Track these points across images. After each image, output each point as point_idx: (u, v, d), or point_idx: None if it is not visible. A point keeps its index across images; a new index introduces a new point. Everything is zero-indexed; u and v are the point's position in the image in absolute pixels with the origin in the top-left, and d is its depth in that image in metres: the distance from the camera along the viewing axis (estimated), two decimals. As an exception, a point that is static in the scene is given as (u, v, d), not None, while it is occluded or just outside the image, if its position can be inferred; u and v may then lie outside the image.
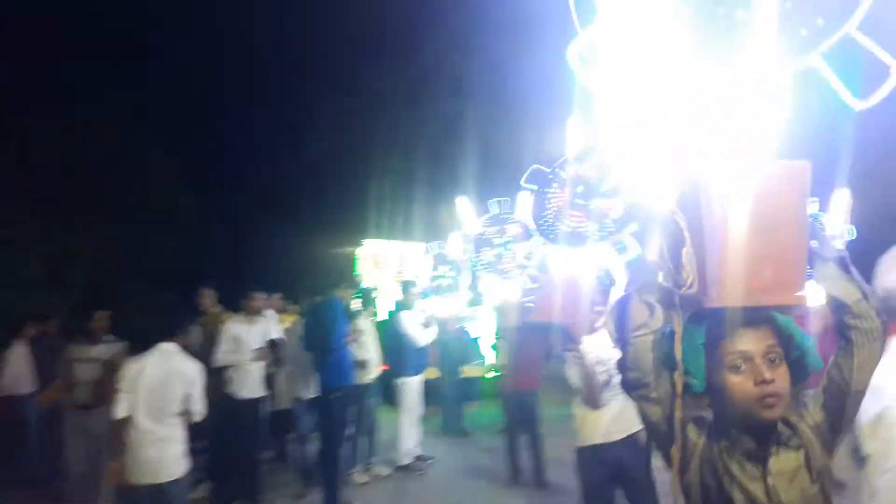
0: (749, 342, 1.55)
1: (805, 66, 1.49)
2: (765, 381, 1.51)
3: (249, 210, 17.43)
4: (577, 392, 3.90)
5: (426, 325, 7.70)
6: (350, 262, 13.14)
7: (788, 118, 1.53)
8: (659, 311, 1.63)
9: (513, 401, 6.87)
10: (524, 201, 5.33)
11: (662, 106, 1.59)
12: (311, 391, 6.79)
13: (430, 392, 8.67)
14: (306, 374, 6.82)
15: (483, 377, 11.69)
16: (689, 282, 1.53)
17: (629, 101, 1.63)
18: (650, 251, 1.64)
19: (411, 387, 7.60)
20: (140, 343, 4.67)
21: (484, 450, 8.73)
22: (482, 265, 5.41)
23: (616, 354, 3.67)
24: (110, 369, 5.45)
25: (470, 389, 10.89)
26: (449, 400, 9.76)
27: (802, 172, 1.55)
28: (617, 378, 3.69)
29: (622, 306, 1.69)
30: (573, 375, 3.88)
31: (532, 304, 3.83)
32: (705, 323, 1.60)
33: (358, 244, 13.36)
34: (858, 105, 1.49)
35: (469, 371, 10.94)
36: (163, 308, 5.61)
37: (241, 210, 17.39)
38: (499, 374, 10.07)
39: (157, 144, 15.39)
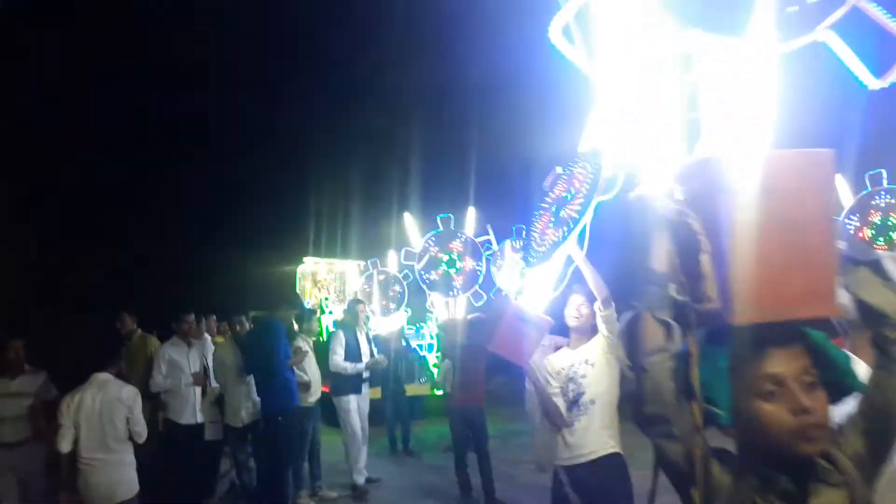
0: (780, 363, 1.33)
1: (814, 40, 1.38)
2: (804, 410, 1.29)
3: (180, 228, 16.95)
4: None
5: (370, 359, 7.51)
6: (290, 281, 12.90)
7: (796, 100, 1.40)
8: (678, 332, 1.37)
9: (459, 417, 6.82)
10: (471, 217, 5.33)
11: (659, 88, 1.44)
12: (241, 419, 6.49)
13: (376, 412, 8.51)
14: (238, 400, 6.50)
15: (428, 395, 11.58)
16: (709, 295, 1.32)
17: (621, 81, 1.48)
18: (657, 260, 1.40)
19: (349, 406, 7.38)
20: (74, 374, 4.69)
21: (431, 468, 8.62)
22: (427, 282, 5.35)
23: (587, 371, 3.63)
24: (39, 403, 5.23)
25: (415, 408, 10.77)
26: (393, 419, 9.61)
27: (825, 162, 1.36)
28: (585, 397, 3.64)
29: (632, 327, 1.43)
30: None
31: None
32: (727, 342, 1.38)
33: (298, 262, 13.14)
34: (874, 83, 1.36)
35: (413, 389, 10.83)
36: (96, 339, 5.44)
37: (171, 227, 16.90)
38: (443, 391, 10.02)
39: (81, 157, 14.80)
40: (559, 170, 3.39)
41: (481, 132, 12.94)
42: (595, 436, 3.63)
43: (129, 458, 4.51)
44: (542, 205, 3.42)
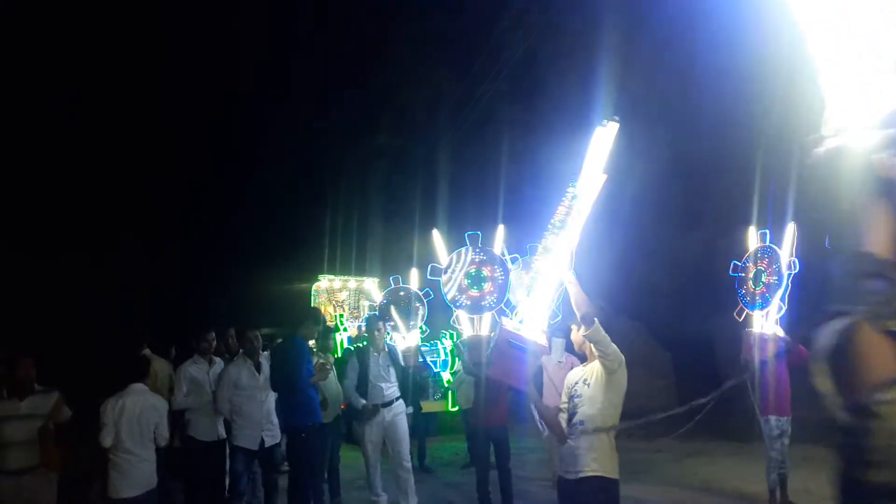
0: None
1: None
2: None
3: (195, 244, 17.06)
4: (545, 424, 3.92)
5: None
6: (305, 297, 13.00)
7: None
8: None
9: (483, 436, 6.85)
10: (500, 235, 5.41)
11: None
12: (259, 441, 6.38)
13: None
14: (255, 422, 6.35)
15: (442, 412, 11.62)
16: None
17: None
18: (879, 240, 0.96)
19: (362, 432, 7.13)
20: (108, 385, 5.10)
21: (448, 485, 8.66)
22: (453, 299, 5.43)
23: (584, 392, 3.73)
24: (51, 425, 4.93)
25: (429, 424, 10.81)
26: (409, 435, 9.60)
27: None
28: (576, 417, 3.68)
29: (844, 344, 0.95)
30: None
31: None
32: None
33: (313, 279, 13.23)
34: None
35: (427, 406, 10.87)
36: (131, 353, 5.69)
37: (186, 243, 17.01)
38: (458, 407, 10.04)
39: (97, 179, 14.97)
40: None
41: (498, 151, 13.05)
42: (579, 457, 3.68)
43: (153, 456, 5.13)
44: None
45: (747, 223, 7.03)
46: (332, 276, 13.42)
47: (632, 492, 7.37)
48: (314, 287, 13.02)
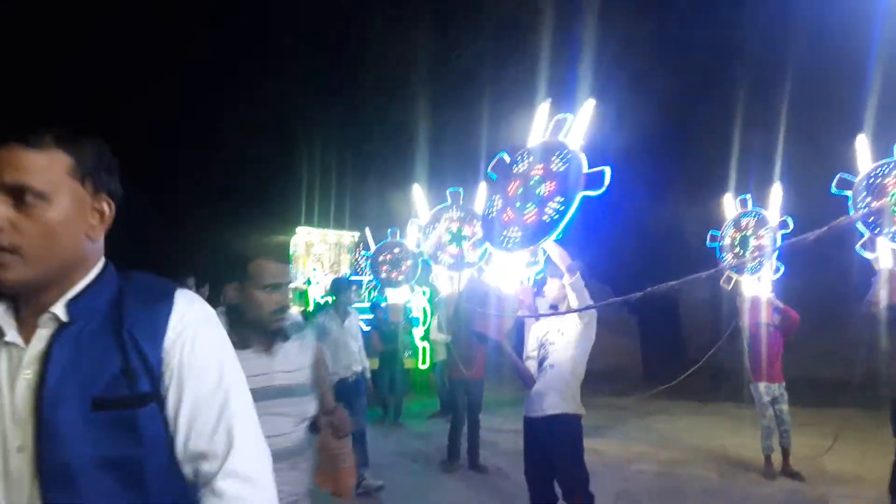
0: None
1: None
2: None
3: (165, 195, 16.78)
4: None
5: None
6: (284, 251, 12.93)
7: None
8: None
9: (460, 388, 7.06)
10: (483, 192, 5.45)
11: None
12: None
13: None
14: None
15: (413, 369, 11.67)
16: None
17: None
18: None
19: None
20: None
21: (416, 436, 8.91)
22: (433, 256, 5.50)
23: (557, 339, 3.99)
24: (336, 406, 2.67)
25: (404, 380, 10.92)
26: (388, 391, 9.62)
27: None
28: (547, 362, 4.02)
29: None
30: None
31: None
32: None
33: (291, 232, 13.12)
34: None
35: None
36: None
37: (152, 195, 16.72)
38: (430, 364, 10.11)
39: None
40: (507, 158, 3.59)
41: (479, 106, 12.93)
42: (550, 396, 3.98)
43: None
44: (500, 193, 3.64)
45: (720, 190, 7.04)
46: (310, 229, 13.26)
47: (594, 445, 7.64)
48: (292, 240, 12.88)
